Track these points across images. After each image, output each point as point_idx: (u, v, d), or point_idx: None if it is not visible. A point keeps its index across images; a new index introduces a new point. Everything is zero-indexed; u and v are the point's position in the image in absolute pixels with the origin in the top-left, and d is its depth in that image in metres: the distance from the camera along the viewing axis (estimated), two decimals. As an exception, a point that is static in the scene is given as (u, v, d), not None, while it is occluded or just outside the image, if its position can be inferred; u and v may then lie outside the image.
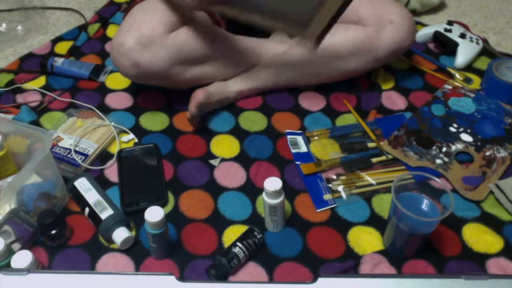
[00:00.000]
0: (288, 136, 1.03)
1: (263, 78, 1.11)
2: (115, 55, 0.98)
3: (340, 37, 1.05)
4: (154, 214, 0.76)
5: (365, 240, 0.85)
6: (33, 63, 1.22)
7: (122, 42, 0.96)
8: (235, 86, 1.10)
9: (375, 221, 0.88)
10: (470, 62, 1.21)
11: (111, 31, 1.33)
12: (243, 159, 0.99)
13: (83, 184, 0.89)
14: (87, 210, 0.86)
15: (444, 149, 0.99)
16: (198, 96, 1.02)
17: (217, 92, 1.07)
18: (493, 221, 0.88)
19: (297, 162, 0.98)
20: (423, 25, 1.36)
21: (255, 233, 0.82)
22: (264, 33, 1.15)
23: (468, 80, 1.17)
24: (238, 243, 0.81)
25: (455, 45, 1.21)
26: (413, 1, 1.39)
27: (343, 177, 0.94)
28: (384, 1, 1.07)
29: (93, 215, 0.85)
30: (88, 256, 0.83)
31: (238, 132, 1.05)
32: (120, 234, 0.82)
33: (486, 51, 1.25)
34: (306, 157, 0.99)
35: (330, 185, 0.93)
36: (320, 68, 1.09)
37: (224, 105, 1.10)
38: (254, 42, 1.10)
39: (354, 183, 0.93)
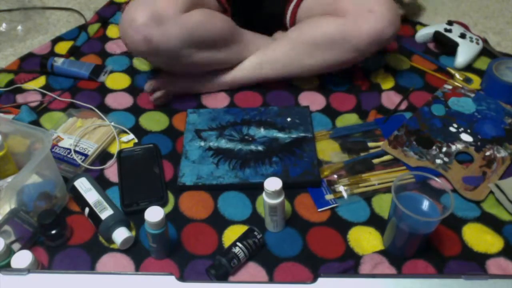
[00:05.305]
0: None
1: (246, 70, 1.11)
2: (126, 29, 0.96)
3: (317, 28, 1.04)
4: (154, 214, 0.76)
5: (365, 240, 0.85)
6: (33, 63, 1.22)
7: (134, 17, 0.94)
8: (227, 77, 1.11)
9: (375, 221, 0.88)
10: (470, 62, 1.21)
11: (111, 31, 1.33)
12: (243, 159, 0.99)
13: (83, 184, 0.89)
14: (87, 210, 0.86)
15: (444, 149, 0.99)
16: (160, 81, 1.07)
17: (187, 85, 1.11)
18: (493, 221, 0.88)
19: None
20: (423, 25, 1.35)
21: (255, 233, 0.82)
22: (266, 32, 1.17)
23: (468, 80, 1.17)
24: (238, 243, 0.81)
25: (455, 45, 1.21)
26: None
27: (345, 180, 0.94)
28: None
29: (93, 215, 0.85)
30: (88, 256, 0.83)
31: (238, 132, 1.05)
32: (120, 234, 0.82)
33: (486, 51, 1.25)
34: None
35: (332, 187, 0.93)
36: (300, 60, 1.08)
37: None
38: (259, 39, 1.12)
39: (356, 184, 0.93)
